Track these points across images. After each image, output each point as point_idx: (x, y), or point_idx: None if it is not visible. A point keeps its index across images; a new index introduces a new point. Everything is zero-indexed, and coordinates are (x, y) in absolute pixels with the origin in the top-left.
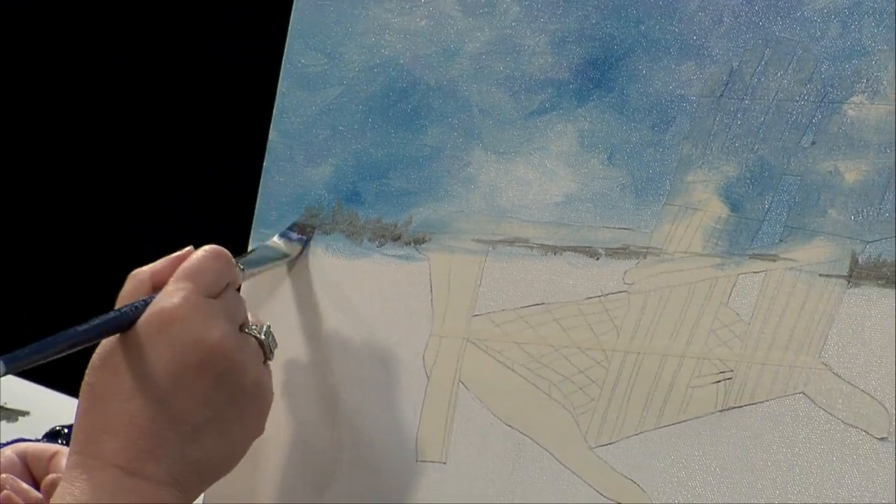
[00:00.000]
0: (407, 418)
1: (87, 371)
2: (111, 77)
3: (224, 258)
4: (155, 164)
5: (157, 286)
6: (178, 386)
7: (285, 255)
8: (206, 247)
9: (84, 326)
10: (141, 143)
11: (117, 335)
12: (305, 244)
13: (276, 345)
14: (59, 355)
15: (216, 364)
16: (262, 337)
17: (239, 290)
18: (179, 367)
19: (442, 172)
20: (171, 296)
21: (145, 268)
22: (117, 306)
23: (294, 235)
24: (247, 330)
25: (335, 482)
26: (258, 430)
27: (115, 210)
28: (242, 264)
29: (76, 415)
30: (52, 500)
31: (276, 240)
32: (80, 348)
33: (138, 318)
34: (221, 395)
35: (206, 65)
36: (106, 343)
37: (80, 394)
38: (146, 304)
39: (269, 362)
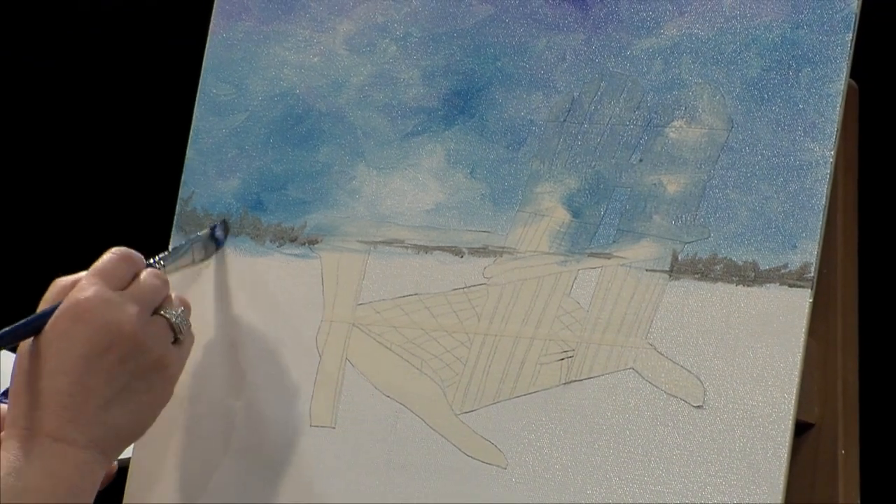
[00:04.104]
0: (302, 390)
1: (16, 359)
2: (37, 81)
3: (127, 257)
4: (86, 177)
5: None
6: (91, 364)
7: (203, 253)
8: (113, 248)
9: (8, 329)
10: (74, 156)
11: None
12: (220, 244)
13: (188, 325)
14: None
15: (121, 345)
16: (173, 319)
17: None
18: (91, 349)
19: (331, 185)
20: (84, 290)
21: (68, 277)
22: (39, 309)
23: (219, 233)
24: (162, 312)
25: (243, 444)
26: (164, 399)
27: (39, 216)
28: (162, 260)
29: (9, 395)
30: None
31: (196, 236)
32: (7, 346)
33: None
34: (127, 372)
35: (131, 94)
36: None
37: (12, 378)
38: (59, 306)
39: (182, 340)
